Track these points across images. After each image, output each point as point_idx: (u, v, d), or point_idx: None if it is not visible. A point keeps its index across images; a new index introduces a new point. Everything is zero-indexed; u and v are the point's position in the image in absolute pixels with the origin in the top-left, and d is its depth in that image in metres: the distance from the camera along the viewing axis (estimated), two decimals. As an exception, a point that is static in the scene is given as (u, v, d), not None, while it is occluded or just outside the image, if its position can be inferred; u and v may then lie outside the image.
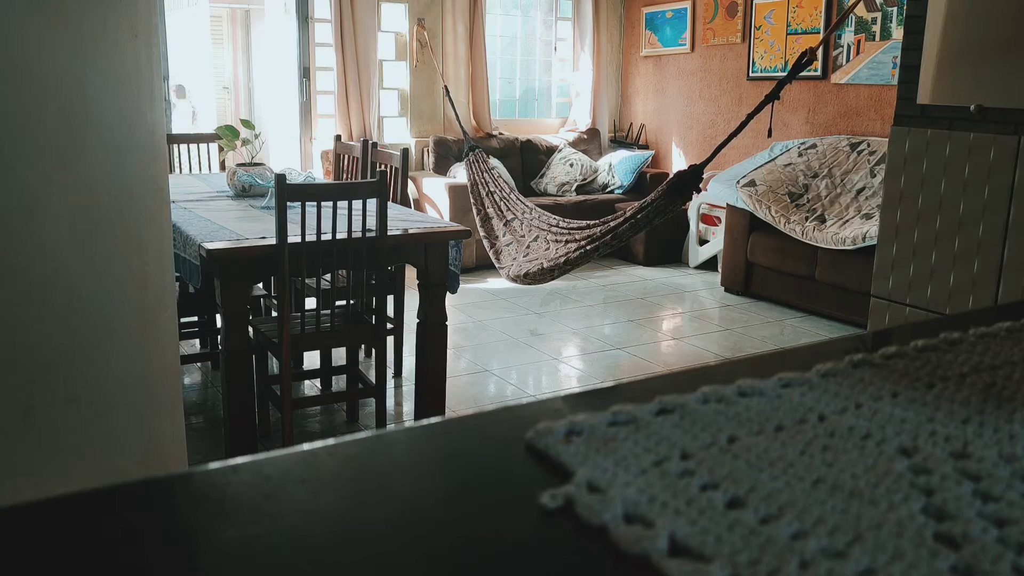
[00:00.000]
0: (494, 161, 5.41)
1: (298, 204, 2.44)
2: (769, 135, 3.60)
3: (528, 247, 4.01)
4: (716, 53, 5.90)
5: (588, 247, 3.69)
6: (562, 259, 3.75)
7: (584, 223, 3.87)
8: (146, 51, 1.32)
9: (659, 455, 0.45)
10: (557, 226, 3.96)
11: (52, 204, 1.19)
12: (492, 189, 4.44)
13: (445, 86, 5.76)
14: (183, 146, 4.24)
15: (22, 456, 1.19)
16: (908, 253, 2.86)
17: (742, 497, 0.41)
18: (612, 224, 3.65)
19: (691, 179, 3.41)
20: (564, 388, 3.49)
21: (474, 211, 4.48)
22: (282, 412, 2.57)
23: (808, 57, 3.22)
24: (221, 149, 4.16)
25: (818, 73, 5.10)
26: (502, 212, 4.29)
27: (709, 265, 5.48)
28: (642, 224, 3.57)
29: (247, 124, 3.37)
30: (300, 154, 5.71)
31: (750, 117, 3.26)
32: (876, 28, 4.81)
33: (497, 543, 0.38)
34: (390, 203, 2.86)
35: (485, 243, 4.33)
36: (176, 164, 4.15)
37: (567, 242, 3.81)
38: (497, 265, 4.21)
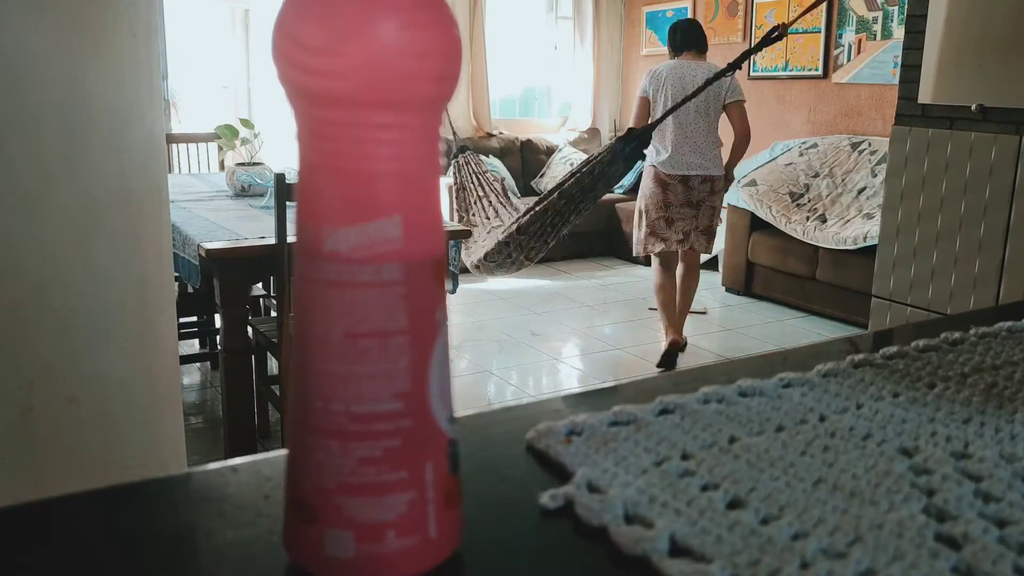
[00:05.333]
0: (494, 161, 5.37)
1: (298, 204, 2.43)
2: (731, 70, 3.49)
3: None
4: (717, 52, 5.89)
5: (537, 208, 3.45)
6: (513, 227, 3.49)
7: (545, 193, 3.64)
8: (146, 51, 1.32)
9: (659, 455, 0.45)
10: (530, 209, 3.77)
11: (52, 204, 1.19)
12: (481, 195, 4.21)
13: (445, 86, 5.76)
14: (182, 146, 4.24)
15: (22, 456, 1.19)
16: (909, 253, 2.86)
17: (742, 497, 0.41)
18: (563, 184, 3.42)
19: (640, 141, 3.37)
20: (564, 388, 3.49)
21: (456, 216, 4.28)
22: (282, 412, 2.57)
23: (779, 32, 3.21)
24: (220, 149, 4.16)
25: (819, 72, 5.10)
26: (489, 219, 4.09)
27: (710, 265, 5.48)
28: (588, 179, 3.34)
29: (246, 123, 3.37)
30: (300, 154, 5.70)
31: (708, 83, 3.27)
32: (877, 27, 4.81)
33: (497, 544, 0.38)
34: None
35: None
36: (175, 164, 4.15)
37: (525, 214, 3.57)
38: (464, 259, 3.98)
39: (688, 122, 3.62)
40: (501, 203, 4.08)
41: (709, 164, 3.65)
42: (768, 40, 3.20)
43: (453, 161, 4.60)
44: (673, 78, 3.68)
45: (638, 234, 3.76)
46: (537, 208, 3.43)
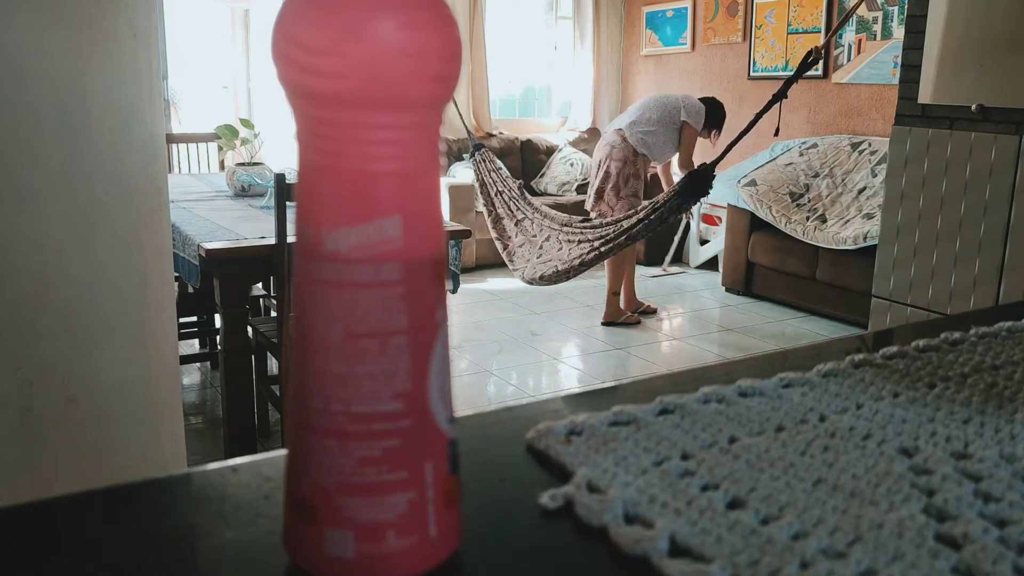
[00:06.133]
0: (498, 161, 5.37)
1: (298, 204, 2.43)
2: (776, 134, 3.59)
3: (541, 247, 3.98)
4: (717, 52, 5.90)
5: (602, 248, 3.67)
6: (576, 261, 3.74)
7: (597, 222, 3.83)
8: (146, 50, 1.32)
9: (659, 455, 0.45)
10: (570, 226, 3.92)
11: (53, 203, 1.19)
12: (501, 189, 4.36)
13: (446, 86, 5.75)
14: (182, 146, 4.24)
15: (21, 456, 1.19)
16: (909, 253, 2.86)
17: (742, 497, 0.41)
18: (625, 225, 3.62)
19: (704, 178, 3.41)
20: (564, 388, 3.49)
21: (484, 212, 4.40)
22: (282, 412, 2.57)
23: (814, 56, 3.21)
24: (220, 149, 4.16)
25: (819, 72, 5.10)
26: (512, 212, 4.23)
27: (710, 265, 5.48)
28: (655, 223, 3.55)
29: (246, 123, 3.37)
30: (300, 154, 5.69)
31: (759, 116, 3.26)
32: (877, 27, 4.81)
33: (497, 544, 0.38)
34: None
35: (497, 244, 4.25)
36: (175, 164, 4.15)
37: (580, 242, 3.79)
38: (511, 267, 4.15)
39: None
40: (516, 197, 4.21)
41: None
42: (805, 67, 3.22)
43: (471, 160, 4.68)
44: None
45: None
46: (603, 249, 3.70)
